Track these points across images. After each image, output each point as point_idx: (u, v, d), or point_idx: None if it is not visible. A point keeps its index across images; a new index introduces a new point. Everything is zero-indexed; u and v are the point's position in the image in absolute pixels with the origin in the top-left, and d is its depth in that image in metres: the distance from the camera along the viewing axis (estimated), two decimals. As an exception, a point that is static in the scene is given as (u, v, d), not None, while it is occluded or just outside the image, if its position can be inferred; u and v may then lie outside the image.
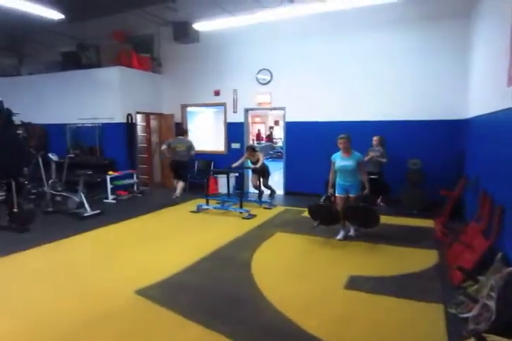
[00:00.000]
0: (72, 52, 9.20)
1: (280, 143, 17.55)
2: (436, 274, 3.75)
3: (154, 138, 9.48)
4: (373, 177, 5.70)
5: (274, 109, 8.32)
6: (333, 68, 7.36)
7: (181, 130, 7.84)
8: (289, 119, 7.97)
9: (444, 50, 6.49)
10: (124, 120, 8.22)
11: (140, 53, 8.84)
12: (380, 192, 6.49)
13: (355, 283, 3.53)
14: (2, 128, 5.30)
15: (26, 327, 2.80)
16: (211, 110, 13.10)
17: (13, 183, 5.30)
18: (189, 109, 9.42)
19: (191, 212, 6.49)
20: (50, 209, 6.42)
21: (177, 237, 5.11)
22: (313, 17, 6.82)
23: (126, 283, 3.56)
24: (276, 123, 19.63)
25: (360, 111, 7.22)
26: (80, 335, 2.68)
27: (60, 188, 6.56)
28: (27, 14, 6.76)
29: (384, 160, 6.45)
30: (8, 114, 5.37)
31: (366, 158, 6.48)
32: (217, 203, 6.84)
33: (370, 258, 4.27)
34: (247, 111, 8.43)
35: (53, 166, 6.62)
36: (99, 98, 8.36)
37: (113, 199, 7.49)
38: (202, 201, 6.87)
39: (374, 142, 6.58)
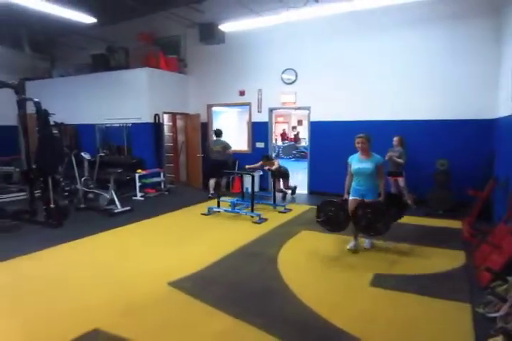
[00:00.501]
0: (101, 54, 9.52)
1: (303, 143, 17.56)
2: (463, 274, 3.74)
3: (180, 138, 9.70)
4: (393, 193, 5.18)
5: (299, 108, 8.37)
6: (358, 67, 7.35)
7: (217, 131, 8.13)
8: (313, 119, 8.01)
9: (472, 49, 6.38)
10: (151, 120, 8.45)
11: (167, 54, 9.07)
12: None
13: (381, 281, 3.57)
14: (40, 128, 5.59)
15: (68, 314, 2.99)
16: (234, 110, 13.26)
17: (50, 180, 5.58)
18: (214, 108, 9.59)
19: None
20: (83, 206, 6.69)
21: (204, 233, 5.26)
22: (339, 16, 6.83)
23: (159, 275, 3.74)
24: (300, 122, 19.63)
25: (385, 110, 7.18)
26: (121, 323, 2.85)
27: (91, 186, 6.83)
28: (61, 19, 7.08)
29: (401, 160, 6.45)
30: (46, 114, 5.65)
31: (386, 158, 6.49)
32: (230, 205, 6.60)
33: (397, 257, 4.28)
34: (271, 110, 8.51)
35: (86, 164, 6.90)
36: (127, 99, 8.63)
37: (141, 196, 7.74)
38: (223, 201, 7.00)
39: (394, 142, 6.62)
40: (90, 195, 6.79)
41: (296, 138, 18.75)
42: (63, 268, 4.04)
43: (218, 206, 6.49)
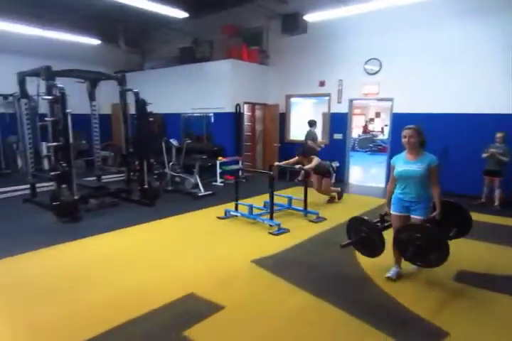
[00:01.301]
0: (188, 47, 10.08)
1: (380, 136, 16.91)
2: None
3: (258, 127, 9.98)
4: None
5: (382, 99, 8.12)
6: (449, 56, 6.90)
7: (310, 122, 8.35)
8: (396, 111, 7.72)
9: None
10: (232, 110, 8.82)
11: (250, 46, 9.33)
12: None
13: (464, 277, 3.49)
14: (138, 116, 6.17)
15: (168, 281, 3.40)
16: (310, 101, 13.21)
17: (145, 164, 6.16)
18: (292, 99, 9.67)
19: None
20: (170, 188, 7.28)
21: (279, 219, 5.44)
22: (429, 2, 6.47)
23: (243, 253, 4.05)
24: (378, 115, 18.90)
25: (479, 102, 6.68)
26: (213, 291, 3.18)
27: (178, 170, 7.39)
28: (155, 14, 7.62)
29: (505, 158, 5.97)
30: (143, 104, 6.21)
31: (485, 155, 6.08)
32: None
33: (481, 255, 4.10)
34: (351, 101, 8.38)
35: (173, 151, 7.46)
36: (211, 89, 9.07)
37: (221, 182, 8.17)
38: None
39: (497, 139, 6.10)
40: (177, 179, 7.36)
41: (373, 131, 18.06)
42: (161, 239, 4.55)
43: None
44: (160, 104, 9.92)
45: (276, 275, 3.48)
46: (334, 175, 6.37)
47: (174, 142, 7.42)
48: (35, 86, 6.40)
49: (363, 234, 3.38)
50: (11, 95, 8.68)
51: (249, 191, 7.17)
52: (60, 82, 5.33)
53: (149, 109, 7.14)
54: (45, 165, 7.22)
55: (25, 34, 8.36)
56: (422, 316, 2.77)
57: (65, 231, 4.90)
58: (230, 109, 8.81)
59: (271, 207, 5.14)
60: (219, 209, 5.94)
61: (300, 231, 4.89)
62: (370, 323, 2.66)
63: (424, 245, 3.02)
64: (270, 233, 4.79)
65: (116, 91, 6.48)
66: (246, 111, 9.64)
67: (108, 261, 3.89)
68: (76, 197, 5.29)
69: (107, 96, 8.83)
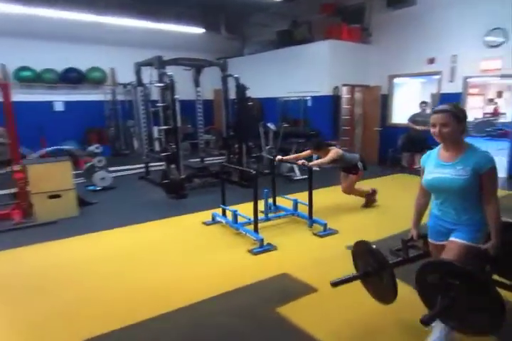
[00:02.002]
0: (285, 30, 10.01)
1: (502, 119, 14.85)
2: None
3: (357, 111, 9.57)
4: None
5: (505, 76, 7.09)
6: None
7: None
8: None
9: None
10: (330, 93, 8.58)
11: (350, 24, 8.90)
12: None
13: None
14: (238, 101, 6.39)
15: (262, 262, 3.52)
16: (417, 81, 12.16)
17: (244, 147, 6.39)
18: (395, 80, 9.02)
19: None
20: (267, 171, 7.45)
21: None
22: None
23: (339, 240, 4.03)
24: (499, 94, 16.60)
25: None
26: (306, 273, 3.20)
27: (274, 154, 7.50)
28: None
29: None
30: (243, 89, 6.41)
31: None
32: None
33: None
34: (466, 79, 7.49)
35: (271, 135, 7.60)
36: (308, 72, 8.93)
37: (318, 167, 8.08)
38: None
39: None
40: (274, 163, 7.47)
41: (496, 113, 15.81)
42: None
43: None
44: (257, 89, 10.11)
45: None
46: (363, 171, 5.04)
47: (271, 126, 7.55)
48: (148, 75, 7.04)
49: (370, 268, 2.31)
50: (128, 84, 9.67)
51: (327, 180, 6.68)
52: (169, 70, 5.78)
53: (248, 93, 7.37)
54: (156, 146, 7.95)
55: (139, 27, 9.17)
56: None
57: (173, 206, 5.44)
58: (327, 92, 8.58)
59: (255, 215, 3.93)
60: (315, 193, 5.90)
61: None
62: None
63: (465, 298, 1.83)
64: (249, 251, 3.75)
65: (218, 78, 6.78)
66: (345, 93, 9.29)
67: (212, 234, 4.24)
68: (183, 177, 5.76)
69: (209, 82, 9.31)
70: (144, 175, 7.07)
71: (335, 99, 8.64)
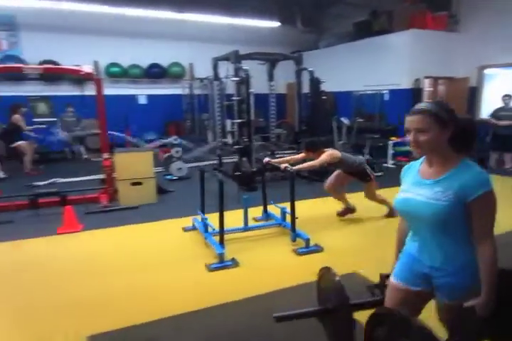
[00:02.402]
0: (363, 21, 9.62)
1: None
2: None
3: (440, 105, 8.92)
4: None
5: None
6: None
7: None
8: None
9: None
10: (410, 85, 8.09)
11: (435, 12, 8.27)
12: None
13: None
14: (312, 94, 6.31)
15: (330, 262, 3.45)
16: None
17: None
18: (486, 71, 8.22)
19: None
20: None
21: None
22: None
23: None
24: None
25: None
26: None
27: (348, 149, 7.30)
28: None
29: None
30: (317, 82, 6.31)
31: None
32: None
33: None
34: None
35: (344, 129, 7.40)
36: (386, 64, 8.52)
37: (392, 164, 7.71)
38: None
39: None
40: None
41: None
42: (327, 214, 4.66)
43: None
44: (331, 83, 9.88)
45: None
46: (373, 175, 4.37)
47: (345, 121, 7.35)
48: (224, 69, 7.24)
49: (329, 305, 1.78)
50: (205, 78, 10.04)
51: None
52: (244, 65, 5.88)
53: (321, 87, 7.24)
54: (229, 139, 8.17)
55: (217, 23, 9.43)
56: None
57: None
58: (407, 84, 8.11)
59: (220, 226, 3.45)
60: (384, 192, 5.62)
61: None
62: None
63: None
64: (207, 266, 3.27)
65: (291, 71, 6.73)
66: (426, 86, 8.71)
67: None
68: (254, 169, 5.85)
69: (283, 76, 9.30)
70: (217, 167, 7.32)
71: (415, 92, 8.14)
